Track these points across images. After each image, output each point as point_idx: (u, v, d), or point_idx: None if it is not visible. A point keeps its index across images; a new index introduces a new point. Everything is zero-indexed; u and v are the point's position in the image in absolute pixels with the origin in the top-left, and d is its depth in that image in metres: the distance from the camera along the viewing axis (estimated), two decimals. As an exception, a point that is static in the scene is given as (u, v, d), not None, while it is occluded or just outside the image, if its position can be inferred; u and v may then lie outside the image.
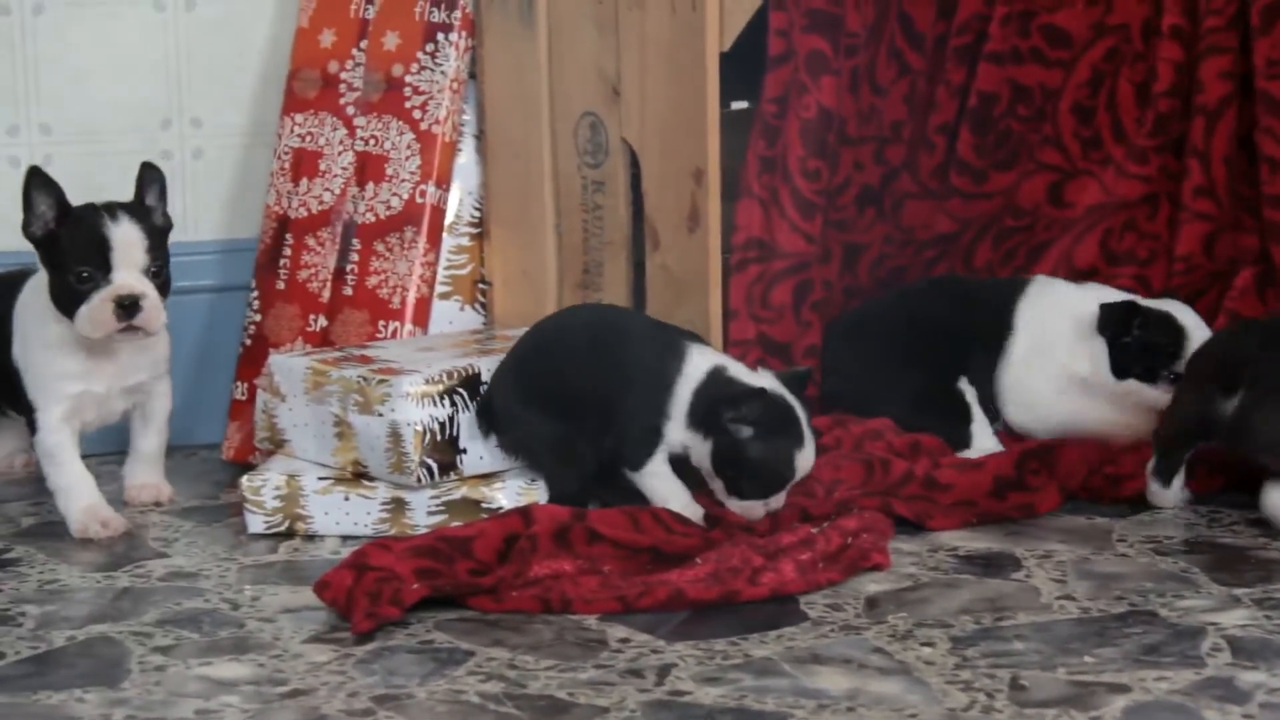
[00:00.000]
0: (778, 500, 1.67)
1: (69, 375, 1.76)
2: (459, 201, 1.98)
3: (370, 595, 1.52)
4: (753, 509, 1.67)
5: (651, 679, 1.42)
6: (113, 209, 1.72)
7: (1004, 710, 1.35)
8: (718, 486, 1.68)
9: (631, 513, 1.66)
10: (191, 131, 2.05)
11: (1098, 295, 1.85)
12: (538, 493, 1.72)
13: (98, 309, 1.71)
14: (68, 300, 1.71)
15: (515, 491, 1.73)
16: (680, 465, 1.71)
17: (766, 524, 1.67)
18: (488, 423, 1.75)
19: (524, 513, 1.64)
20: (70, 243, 1.71)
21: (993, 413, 1.88)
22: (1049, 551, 1.65)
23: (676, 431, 1.69)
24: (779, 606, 1.54)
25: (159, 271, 1.72)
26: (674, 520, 1.66)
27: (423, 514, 1.73)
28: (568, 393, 1.72)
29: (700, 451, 1.68)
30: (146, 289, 1.71)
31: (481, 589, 1.55)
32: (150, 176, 1.75)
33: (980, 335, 1.89)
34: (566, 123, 1.93)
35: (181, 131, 2.04)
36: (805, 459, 1.66)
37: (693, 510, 1.69)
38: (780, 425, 1.66)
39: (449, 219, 1.97)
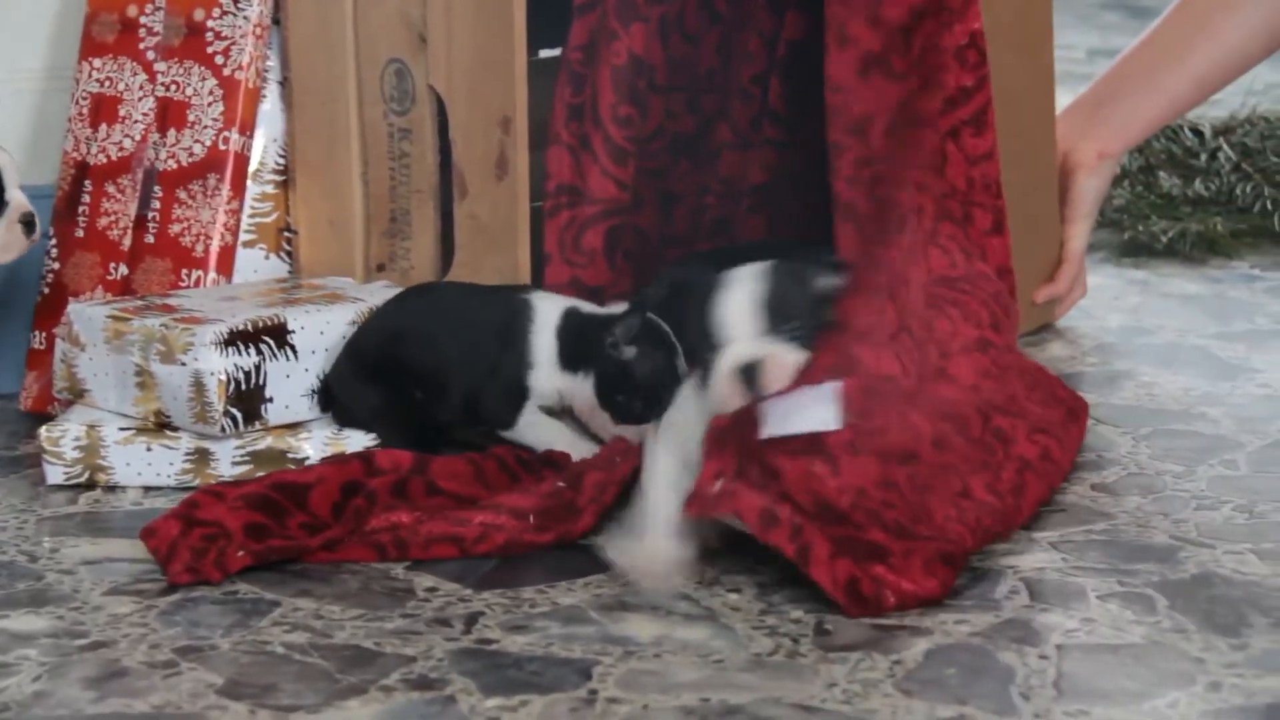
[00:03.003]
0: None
1: None
2: (263, 148, 1.95)
3: (194, 550, 1.50)
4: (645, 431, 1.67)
5: (459, 628, 1.42)
6: None
7: (808, 655, 1.37)
8: (604, 420, 1.68)
9: (476, 462, 1.65)
10: (-16, 74, 2.01)
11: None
12: (345, 443, 1.71)
13: (9, 231, 1.73)
14: None
15: (322, 441, 1.72)
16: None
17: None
18: (324, 398, 1.75)
19: (366, 459, 1.63)
20: None
21: None
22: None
23: (547, 379, 1.70)
24: (587, 555, 1.55)
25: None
26: (518, 465, 1.66)
27: (227, 464, 1.71)
28: (403, 363, 1.72)
29: (582, 391, 1.69)
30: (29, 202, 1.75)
31: (310, 550, 1.54)
32: None
33: None
34: (372, 69, 1.91)
35: (-26, 75, 2.00)
36: (685, 366, 1.68)
37: (582, 447, 1.70)
38: (658, 338, 1.67)
39: (253, 166, 1.95)
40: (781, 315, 1.48)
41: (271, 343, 1.73)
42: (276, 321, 1.74)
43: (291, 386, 1.74)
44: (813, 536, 1.43)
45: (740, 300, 1.48)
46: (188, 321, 1.72)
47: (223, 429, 1.70)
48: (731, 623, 1.42)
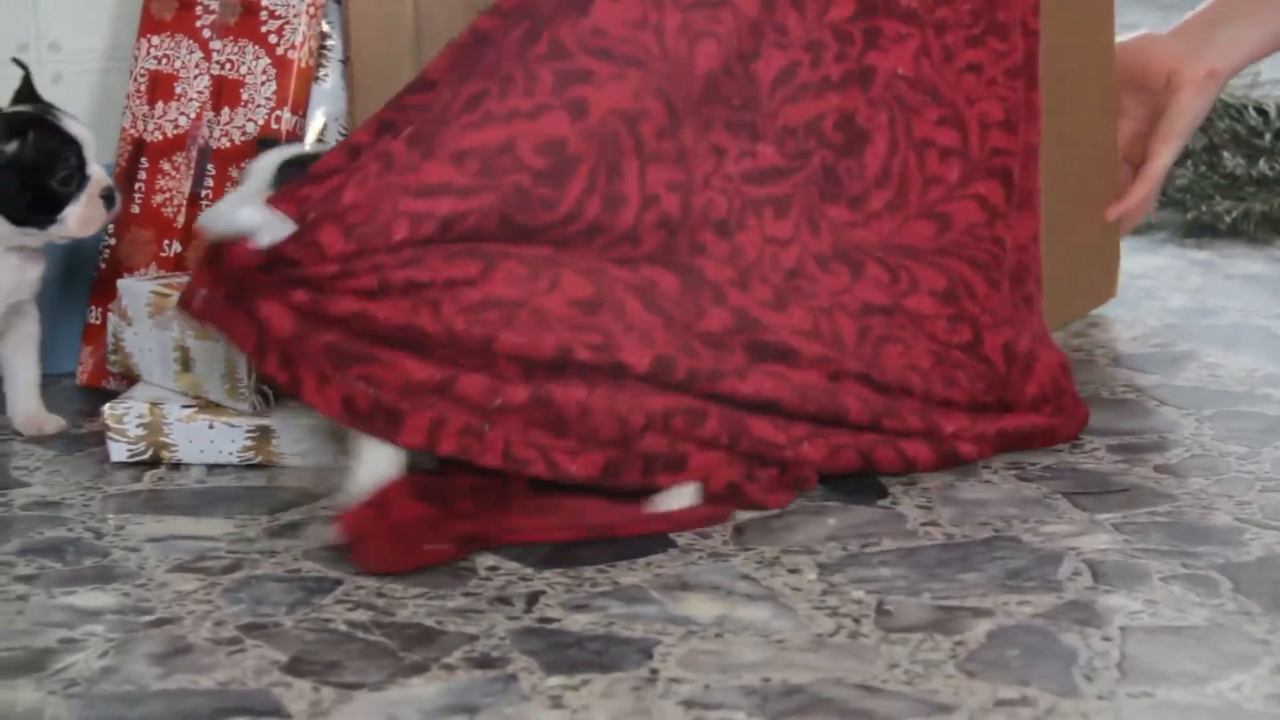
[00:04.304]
0: None
1: None
2: (324, 126, 1.96)
3: (388, 538, 1.50)
4: None
5: (520, 606, 1.42)
6: (49, 109, 1.75)
7: (870, 635, 1.36)
8: None
9: None
10: (50, 56, 2.01)
11: None
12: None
13: (90, 206, 1.75)
14: (47, 207, 1.74)
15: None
16: None
17: None
18: None
19: None
20: (39, 151, 1.73)
21: None
22: (914, 478, 1.66)
23: None
24: (647, 535, 1.55)
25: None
26: None
27: (289, 442, 1.72)
28: None
29: None
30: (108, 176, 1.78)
31: (498, 534, 1.53)
32: (27, 68, 1.79)
33: None
34: (433, 49, 1.91)
35: (40, 56, 2.00)
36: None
37: None
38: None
39: (314, 145, 1.95)
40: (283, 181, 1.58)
41: None
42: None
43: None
44: (303, 368, 1.50)
45: (259, 168, 1.60)
46: None
47: (252, 406, 1.71)
48: (792, 603, 1.42)
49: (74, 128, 1.75)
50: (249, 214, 1.51)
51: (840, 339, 1.65)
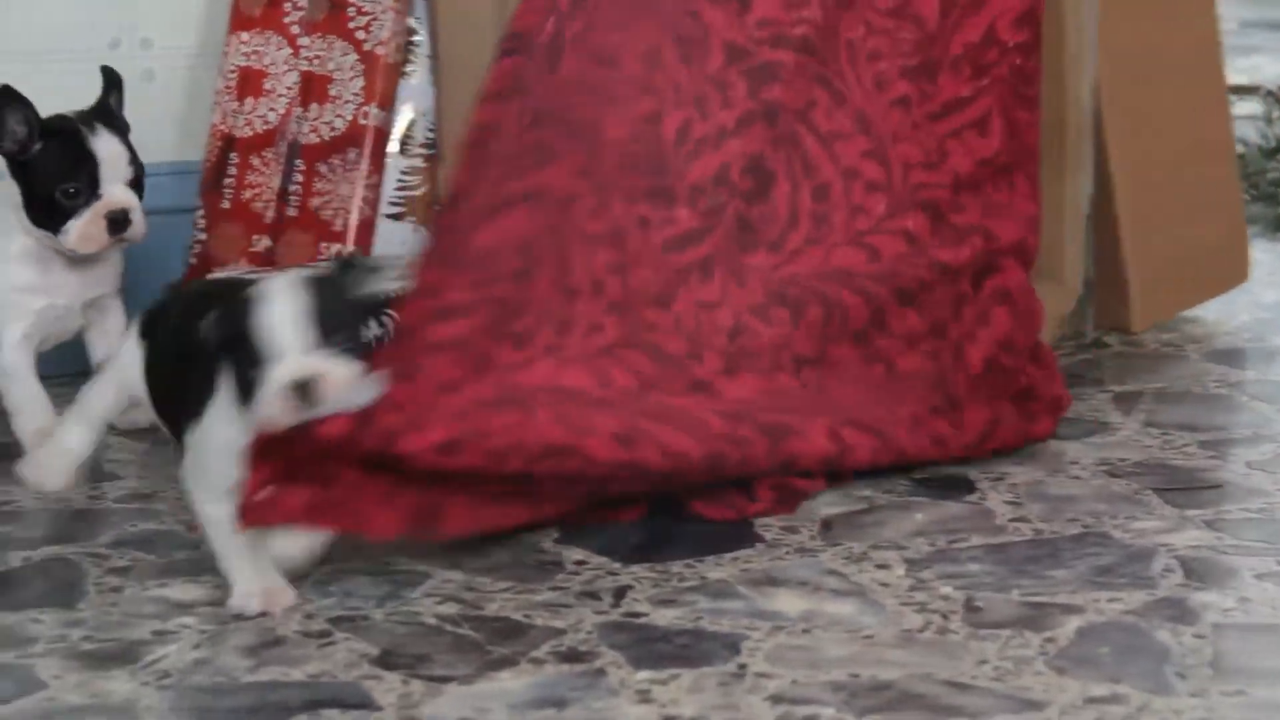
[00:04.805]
0: None
1: (33, 289, 1.76)
2: (411, 123, 1.97)
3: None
4: None
5: (608, 601, 1.42)
6: (89, 121, 1.72)
7: (959, 631, 1.36)
8: None
9: None
10: (141, 52, 2.03)
11: None
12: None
13: (91, 225, 1.71)
14: (51, 217, 1.71)
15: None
16: None
17: None
18: None
19: None
20: (53, 160, 1.71)
21: None
22: (1002, 474, 1.66)
23: None
24: (734, 529, 1.55)
25: (138, 178, 1.73)
26: None
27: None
28: None
29: None
30: (133, 201, 1.72)
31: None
32: (113, 79, 1.75)
33: None
34: (519, 44, 1.91)
35: (131, 52, 2.02)
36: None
37: None
38: None
39: (401, 140, 1.96)
40: (328, 327, 1.39)
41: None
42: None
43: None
44: (358, 497, 1.42)
45: (284, 313, 1.39)
46: None
47: None
48: (881, 599, 1.41)
49: (100, 146, 1.71)
50: (366, 386, 1.40)
51: (788, 396, 1.63)
